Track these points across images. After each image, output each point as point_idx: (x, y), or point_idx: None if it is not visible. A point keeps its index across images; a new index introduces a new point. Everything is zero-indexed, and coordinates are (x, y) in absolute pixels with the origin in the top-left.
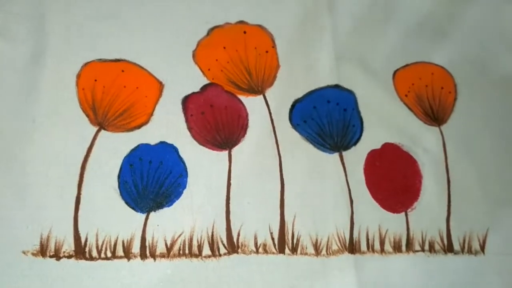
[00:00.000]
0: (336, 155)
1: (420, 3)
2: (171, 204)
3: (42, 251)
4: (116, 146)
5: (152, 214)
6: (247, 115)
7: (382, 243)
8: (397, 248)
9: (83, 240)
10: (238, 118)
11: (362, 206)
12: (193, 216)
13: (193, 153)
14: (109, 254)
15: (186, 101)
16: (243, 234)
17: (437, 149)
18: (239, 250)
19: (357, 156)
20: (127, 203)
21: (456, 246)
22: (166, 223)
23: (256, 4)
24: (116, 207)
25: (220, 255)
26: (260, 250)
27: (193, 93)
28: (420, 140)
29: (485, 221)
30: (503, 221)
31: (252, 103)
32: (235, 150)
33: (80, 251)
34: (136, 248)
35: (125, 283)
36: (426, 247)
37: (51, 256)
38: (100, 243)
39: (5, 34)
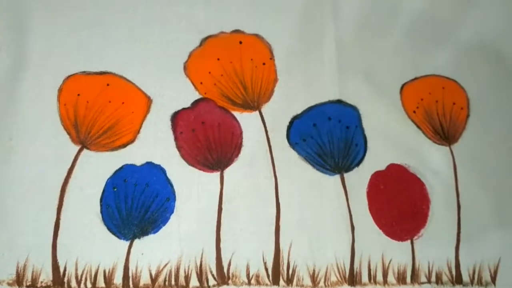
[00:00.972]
0: (337, 177)
1: (430, 12)
2: (157, 231)
3: (18, 280)
4: (99, 167)
5: (136, 241)
6: (241, 132)
7: (385, 274)
8: (401, 279)
9: (61, 269)
10: (231, 136)
11: (364, 233)
12: (181, 244)
13: (182, 174)
14: (89, 285)
15: (176, 118)
16: (234, 263)
17: (447, 170)
18: (230, 282)
19: (359, 178)
20: (109, 229)
21: (465, 278)
22: (151, 252)
23: (254, 12)
24: (97, 233)
25: (209, 286)
26: (253, 281)
27: (184, 109)
28: (429, 161)
29: (497, 250)
30: None
31: (247, 120)
32: (227, 171)
33: (59, 281)
34: (118, 279)
35: None
36: (433, 278)
37: (27, 286)
38: (79, 273)
39: None
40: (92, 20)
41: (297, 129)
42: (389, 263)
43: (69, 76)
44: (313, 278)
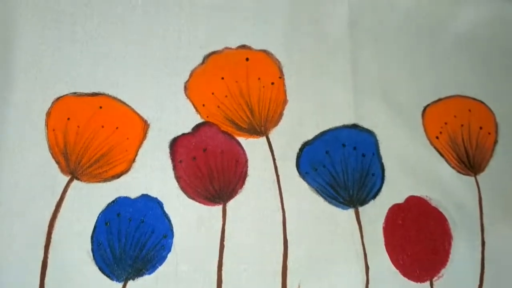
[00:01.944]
0: (351, 211)
1: (454, 26)
2: (152, 271)
3: None
4: (90, 200)
5: (130, 283)
6: (246, 161)
7: None
8: None
9: None
10: (235, 164)
11: (379, 274)
12: (178, 286)
13: (180, 208)
14: None
15: (175, 144)
16: None
17: (472, 204)
18: None
19: (376, 212)
20: (101, 269)
21: None
22: None
23: (261, 25)
24: (88, 274)
25: None
26: None
27: (184, 134)
28: (452, 193)
29: None
30: None
31: (253, 146)
32: (230, 204)
33: None
34: None
35: None
36: None
37: None
38: None
39: None
40: (83, 35)
41: (308, 157)
42: None
43: (58, 98)
44: None
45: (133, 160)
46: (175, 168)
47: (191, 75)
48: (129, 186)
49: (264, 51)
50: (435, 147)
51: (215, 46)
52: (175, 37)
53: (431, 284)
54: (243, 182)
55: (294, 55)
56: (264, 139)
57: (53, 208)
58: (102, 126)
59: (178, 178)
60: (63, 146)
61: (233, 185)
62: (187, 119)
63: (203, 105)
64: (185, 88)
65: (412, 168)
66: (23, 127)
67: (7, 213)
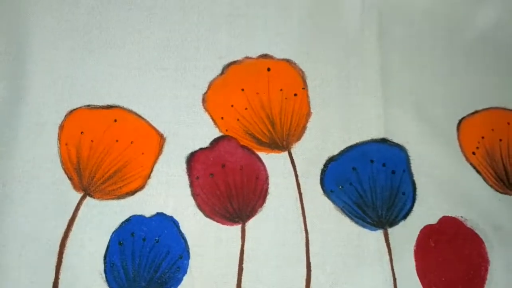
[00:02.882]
0: (379, 233)
1: (493, 31)
2: None
3: None
4: (103, 218)
5: None
6: (267, 177)
7: None
8: None
9: None
10: (255, 181)
11: None
12: None
13: (197, 227)
14: None
15: (192, 160)
16: None
17: (511, 225)
18: None
19: (406, 234)
20: None
21: None
22: None
23: (284, 34)
24: None
25: None
26: None
27: (201, 149)
28: (490, 214)
29: None
30: None
31: (274, 162)
32: (250, 224)
33: None
34: None
35: None
36: None
37: None
38: None
39: None
40: (98, 45)
41: (333, 173)
42: None
43: (71, 111)
44: None
45: (148, 176)
46: (192, 185)
47: (209, 87)
48: (143, 204)
49: (287, 61)
50: (471, 164)
51: (235, 56)
52: (193, 47)
53: None
54: (264, 201)
55: (318, 64)
56: (286, 154)
57: (65, 226)
58: (117, 141)
59: (195, 195)
60: (76, 162)
61: (252, 204)
62: (205, 132)
63: (222, 118)
64: (203, 100)
65: (446, 186)
66: (35, 141)
67: (17, 232)
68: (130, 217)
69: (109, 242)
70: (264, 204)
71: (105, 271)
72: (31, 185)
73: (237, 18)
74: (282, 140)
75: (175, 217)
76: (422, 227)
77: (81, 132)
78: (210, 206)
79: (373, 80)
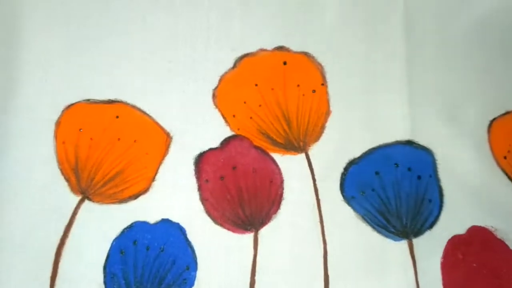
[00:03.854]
0: (403, 243)
1: None
2: None
3: None
4: (103, 224)
5: None
6: (282, 181)
7: None
8: None
9: None
10: (269, 185)
11: None
12: None
13: (206, 235)
14: None
15: (201, 161)
16: None
17: None
18: None
19: (433, 244)
20: None
21: None
22: None
23: (302, 24)
24: None
25: None
26: None
27: (211, 149)
28: None
29: None
30: None
31: (290, 165)
32: (263, 232)
33: None
34: None
35: None
36: None
37: None
38: None
39: None
40: (98, 32)
41: (354, 178)
42: None
43: (69, 106)
44: None
45: (153, 179)
46: (200, 188)
47: (220, 81)
48: (147, 209)
49: (305, 54)
50: (502, 169)
51: (249, 47)
52: (203, 37)
53: None
54: (278, 207)
55: (339, 59)
56: (303, 156)
57: (61, 233)
58: (119, 139)
59: (203, 200)
60: (74, 162)
61: (266, 210)
62: (215, 131)
63: (234, 115)
64: (214, 96)
65: (475, 193)
66: (28, 138)
67: (8, 239)
68: (133, 223)
69: (109, 251)
70: (279, 211)
71: (104, 282)
72: (23, 187)
73: (252, 5)
74: (299, 141)
75: (182, 224)
76: (449, 237)
77: (80, 129)
78: (220, 212)
79: (398, 76)
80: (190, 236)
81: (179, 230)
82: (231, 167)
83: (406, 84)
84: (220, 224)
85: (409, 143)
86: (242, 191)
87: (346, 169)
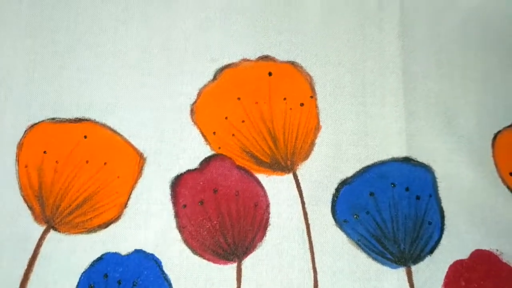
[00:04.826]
0: (401, 271)
1: None
2: None
3: None
4: (70, 256)
5: None
6: (268, 205)
7: None
8: None
9: None
10: (254, 210)
11: None
12: None
13: (184, 267)
14: None
15: (178, 184)
16: None
17: None
18: None
19: (433, 271)
20: None
21: None
22: None
23: (289, 31)
24: None
25: None
26: None
27: (189, 171)
28: None
29: None
30: None
31: (276, 186)
32: (247, 263)
33: None
34: None
35: None
36: None
37: None
38: None
39: None
40: (65, 44)
41: (347, 199)
42: None
43: (33, 125)
44: None
45: (125, 205)
46: (177, 215)
47: (199, 95)
48: (119, 239)
49: (292, 63)
50: (508, 186)
51: (230, 57)
52: (180, 47)
53: None
54: (264, 233)
55: (329, 69)
56: (290, 176)
57: (25, 266)
58: (87, 161)
59: (181, 228)
60: (37, 187)
61: (250, 237)
62: (193, 151)
63: (214, 133)
64: (192, 111)
65: (479, 213)
66: None
67: None
68: (103, 255)
69: (77, 286)
70: (265, 238)
71: None
72: None
73: (232, 12)
74: (286, 160)
75: (157, 255)
76: (451, 263)
77: (44, 152)
78: (199, 241)
79: (394, 87)
80: (166, 268)
81: (154, 261)
82: (212, 190)
83: (402, 96)
84: (199, 254)
85: (406, 160)
86: (224, 217)
87: (337, 190)
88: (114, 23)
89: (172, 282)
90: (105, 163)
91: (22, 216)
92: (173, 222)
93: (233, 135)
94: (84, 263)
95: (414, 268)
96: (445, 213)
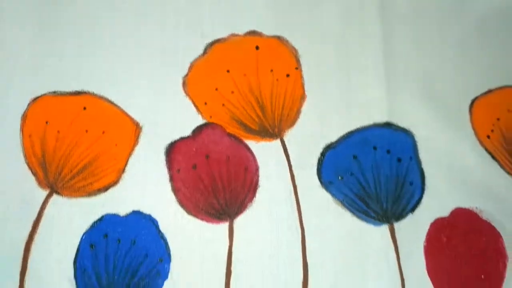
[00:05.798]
0: (384, 228)
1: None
2: None
3: None
4: (72, 218)
5: None
6: (257, 169)
7: None
8: None
9: None
10: (244, 173)
11: None
12: None
13: (179, 227)
14: None
15: (172, 151)
16: None
17: None
18: None
19: (415, 228)
20: None
21: None
22: None
23: (275, 7)
24: None
25: None
26: None
27: (182, 138)
28: (507, 203)
29: None
30: None
31: (265, 151)
32: (238, 222)
33: None
34: None
35: None
36: None
37: None
38: None
39: None
40: (66, 22)
41: (332, 163)
42: None
43: (35, 98)
44: None
45: (123, 170)
46: (172, 179)
47: (191, 68)
48: (118, 201)
49: (278, 38)
50: (486, 149)
51: (219, 33)
52: (172, 23)
53: None
54: (254, 195)
55: (313, 41)
56: (278, 142)
57: (30, 228)
58: (86, 131)
59: (175, 190)
60: (41, 155)
61: (241, 198)
62: (186, 120)
63: (205, 103)
64: (184, 83)
65: (458, 174)
66: None
67: None
68: (103, 216)
69: (79, 245)
70: (254, 199)
71: (75, 277)
72: None
73: None
74: (274, 127)
75: (154, 216)
76: (432, 220)
77: (46, 122)
78: (193, 203)
79: (374, 56)
80: (162, 228)
81: (151, 222)
82: (204, 155)
83: (382, 65)
84: (193, 215)
85: (388, 125)
86: (215, 180)
87: (323, 154)
88: (110, 1)
89: (168, 240)
90: (103, 132)
91: (27, 182)
92: (168, 186)
93: (223, 105)
94: (85, 225)
95: (396, 225)
96: (425, 174)
